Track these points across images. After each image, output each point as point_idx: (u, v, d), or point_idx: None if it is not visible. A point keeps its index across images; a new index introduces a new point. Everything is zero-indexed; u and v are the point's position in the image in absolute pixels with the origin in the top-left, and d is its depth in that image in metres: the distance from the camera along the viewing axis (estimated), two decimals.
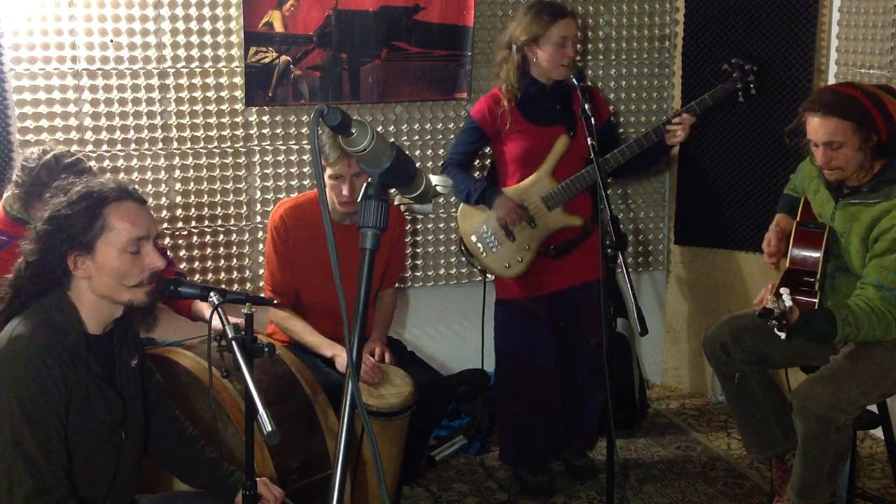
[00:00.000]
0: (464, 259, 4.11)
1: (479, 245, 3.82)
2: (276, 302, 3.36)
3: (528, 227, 3.76)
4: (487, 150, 4.06)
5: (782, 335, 2.93)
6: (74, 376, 2.27)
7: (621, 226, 3.82)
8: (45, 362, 2.22)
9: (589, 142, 3.32)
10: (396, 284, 3.89)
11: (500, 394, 4.09)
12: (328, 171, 3.39)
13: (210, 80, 4.01)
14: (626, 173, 4.19)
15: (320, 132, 2.84)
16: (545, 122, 3.74)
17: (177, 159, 4.03)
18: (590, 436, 4.07)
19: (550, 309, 3.88)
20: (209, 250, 4.15)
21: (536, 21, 3.69)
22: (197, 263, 4.12)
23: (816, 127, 3.16)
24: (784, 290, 2.96)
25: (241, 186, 4.15)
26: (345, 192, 3.38)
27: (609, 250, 3.10)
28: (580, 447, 4.06)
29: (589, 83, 4.41)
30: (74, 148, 3.73)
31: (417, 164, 1.97)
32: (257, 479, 2.53)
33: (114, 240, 2.29)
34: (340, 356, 3.38)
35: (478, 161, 4.31)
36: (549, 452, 3.99)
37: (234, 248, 4.19)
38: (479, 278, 4.57)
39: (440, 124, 4.40)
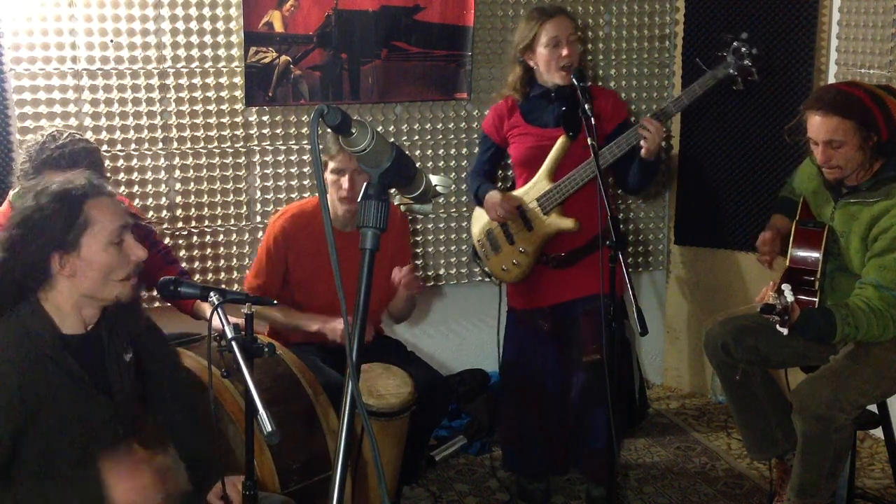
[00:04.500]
0: (475, 262, 4.00)
1: (483, 248, 3.81)
2: (276, 302, 3.36)
3: (525, 230, 3.70)
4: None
5: (784, 331, 2.93)
6: (47, 387, 2.25)
7: (621, 226, 3.78)
8: (3, 379, 2.19)
9: (589, 141, 3.27)
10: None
11: (501, 400, 4.06)
12: (329, 166, 3.38)
13: (210, 80, 4.01)
14: (629, 181, 3.71)
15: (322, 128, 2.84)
16: (546, 125, 3.65)
17: (177, 159, 4.03)
18: (600, 462, 3.56)
19: (553, 322, 3.75)
20: (209, 250, 4.15)
21: (527, 25, 3.63)
22: (197, 263, 4.12)
23: (817, 125, 3.15)
24: (786, 286, 2.97)
25: (241, 186, 4.15)
26: (345, 185, 3.36)
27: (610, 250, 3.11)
28: (593, 475, 3.76)
29: (600, 84, 4.37)
30: None
31: (417, 164, 1.97)
32: (226, 479, 2.51)
33: (98, 234, 2.29)
34: (327, 325, 3.37)
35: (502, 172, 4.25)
36: (547, 462, 3.84)
37: (234, 248, 4.19)
38: (479, 278, 4.58)
39: (440, 124, 4.40)
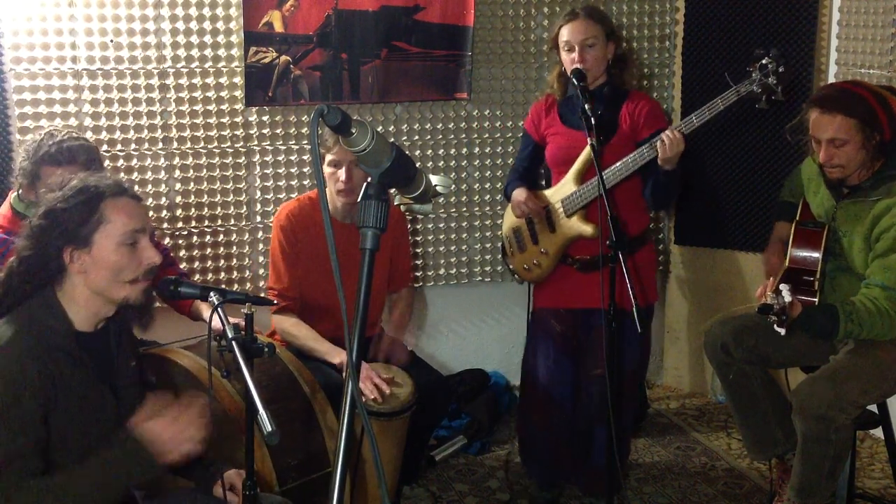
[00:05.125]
0: (503, 259, 3.97)
1: (511, 246, 3.81)
2: (276, 302, 3.36)
3: (548, 231, 3.67)
4: None
5: (782, 331, 2.93)
6: (61, 377, 2.25)
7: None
8: (24, 368, 2.19)
9: (589, 141, 3.26)
10: (410, 284, 3.82)
11: (519, 404, 4.09)
12: (326, 158, 3.37)
13: (210, 80, 4.01)
14: (645, 193, 3.63)
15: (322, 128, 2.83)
16: (579, 127, 3.51)
17: (177, 159, 4.03)
18: (598, 477, 3.61)
19: (569, 328, 3.70)
20: (209, 250, 4.15)
21: (556, 25, 3.61)
22: (197, 263, 4.12)
23: (821, 123, 3.14)
24: (784, 286, 2.96)
25: (241, 186, 4.15)
26: (342, 177, 3.35)
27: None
28: (591, 489, 3.78)
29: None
30: None
31: (417, 164, 1.98)
32: (231, 471, 2.51)
33: (111, 232, 2.30)
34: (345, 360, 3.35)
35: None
36: (556, 470, 3.81)
37: (234, 248, 4.19)
38: (479, 278, 4.59)
39: (440, 124, 4.40)
